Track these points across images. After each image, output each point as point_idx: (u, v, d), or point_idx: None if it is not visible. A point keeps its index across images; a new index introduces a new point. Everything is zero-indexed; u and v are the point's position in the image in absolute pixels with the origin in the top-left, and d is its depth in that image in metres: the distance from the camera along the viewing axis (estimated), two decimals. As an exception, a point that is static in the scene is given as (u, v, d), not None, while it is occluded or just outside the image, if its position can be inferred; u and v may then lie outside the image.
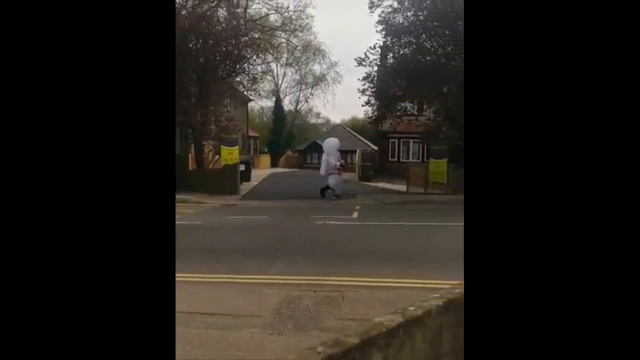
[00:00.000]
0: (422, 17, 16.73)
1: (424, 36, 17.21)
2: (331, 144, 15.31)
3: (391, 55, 18.35)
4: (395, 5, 17.15)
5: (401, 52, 17.91)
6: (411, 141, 25.41)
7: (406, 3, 16.96)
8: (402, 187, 17.34)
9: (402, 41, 17.64)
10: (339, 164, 14.80)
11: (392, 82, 18.12)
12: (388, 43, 17.91)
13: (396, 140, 26.24)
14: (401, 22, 17.34)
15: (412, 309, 1.01)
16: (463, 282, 1.24)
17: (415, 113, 20.84)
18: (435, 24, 16.46)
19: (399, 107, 19.51)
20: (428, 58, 17.04)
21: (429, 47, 17.31)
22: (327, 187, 14.78)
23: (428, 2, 16.29)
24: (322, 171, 14.99)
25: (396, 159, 25.98)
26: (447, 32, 16.44)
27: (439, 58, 16.96)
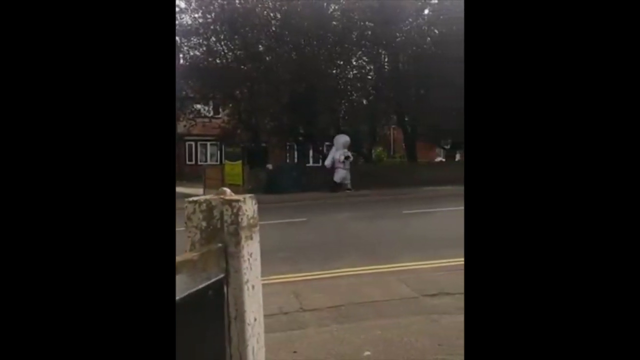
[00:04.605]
0: (210, 20, 16.76)
1: (213, 39, 17.28)
2: (339, 140, 16.22)
3: (181, 55, 17.93)
4: (182, 5, 16.80)
5: (191, 54, 17.65)
6: (208, 143, 25.22)
7: (193, 4, 16.77)
8: (199, 190, 17.08)
9: (192, 42, 17.40)
10: (342, 157, 15.76)
11: (184, 83, 17.69)
12: (177, 43, 17.44)
13: (193, 143, 25.69)
14: (189, 22, 17.07)
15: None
16: None
17: (208, 115, 20.76)
18: (224, 27, 16.70)
19: (192, 109, 19.18)
20: (218, 61, 17.17)
21: (219, 50, 17.47)
22: (335, 183, 15.53)
23: (215, 5, 16.41)
24: (327, 163, 16.08)
25: (193, 162, 25.45)
26: (236, 37, 16.85)
27: (229, 62, 17.25)
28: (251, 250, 1.33)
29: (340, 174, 16.17)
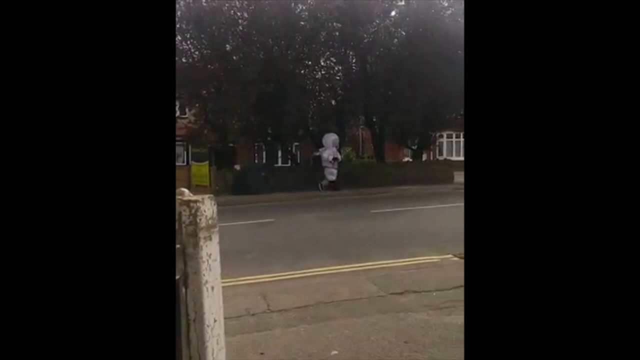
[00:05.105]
0: (175, 18, 16.48)
1: (179, 37, 16.97)
2: (327, 139, 16.32)
3: (146, 54, 17.57)
4: (147, 2, 16.46)
5: (156, 52, 17.32)
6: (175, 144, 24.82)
7: (158, 2, 16.45)
8: (165, 192, 16.79)
9: (157, 41, 17.09)
10: (330, 157, 15.87)
11: (148, 83, 17.33)
12: (142, 41, 17.10)
13: (159, 144, 25.22)
14: (154, 21, 16.75)
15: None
16: None
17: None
18: (190, 26, 16.44)
19: (158, 109, 18.83)
20: (184, 60, 16.88)
21: (185, 49, 17.17)
22: (331, 182, 15.66)
23: (181, 4, 16.13)
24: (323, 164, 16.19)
25: (160, 163, 24.97)
26: (202, 36, 16.61)
27: (195, 61, 16.99)
28: (210, 251, 1.32)
29: (328, 173, 16.24)
